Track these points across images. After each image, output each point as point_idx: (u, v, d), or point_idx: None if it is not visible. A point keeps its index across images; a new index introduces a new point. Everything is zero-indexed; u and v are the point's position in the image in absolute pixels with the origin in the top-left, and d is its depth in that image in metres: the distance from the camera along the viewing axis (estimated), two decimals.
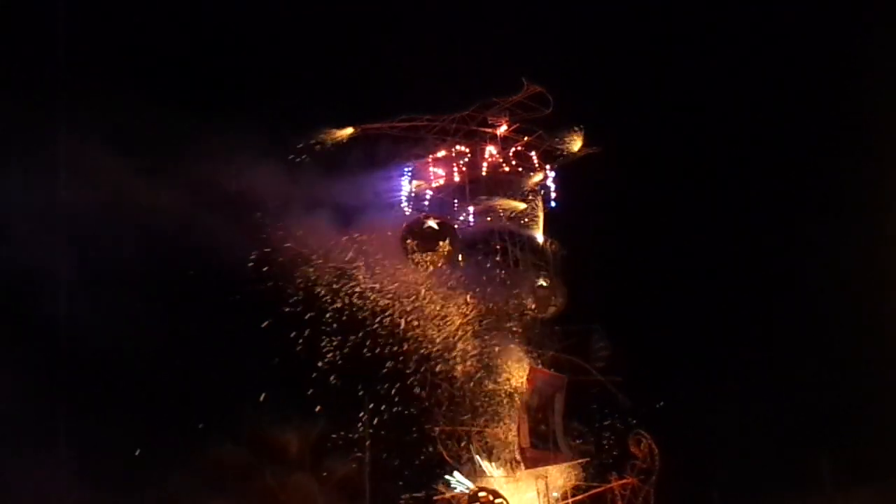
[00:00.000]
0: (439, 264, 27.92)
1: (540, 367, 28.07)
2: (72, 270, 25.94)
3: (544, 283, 28.78)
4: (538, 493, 26.82)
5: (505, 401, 27.46)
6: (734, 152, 35.46)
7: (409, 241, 27.55)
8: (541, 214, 30.10)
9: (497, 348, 27.53)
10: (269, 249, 25.96)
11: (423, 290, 27.23)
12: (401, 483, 26.94)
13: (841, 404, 29.31)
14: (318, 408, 26.18)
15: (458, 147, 29.94)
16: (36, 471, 24.96)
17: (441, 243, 27.74)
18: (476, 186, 29.84)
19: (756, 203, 33.84)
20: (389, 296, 26.87)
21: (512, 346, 27.85)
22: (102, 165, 24.73)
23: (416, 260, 27.58)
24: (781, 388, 30.88)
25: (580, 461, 27.80)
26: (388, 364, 26.77)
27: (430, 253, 27.51)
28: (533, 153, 30.54)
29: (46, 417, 25.74)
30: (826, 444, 29.06)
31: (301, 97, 29.01)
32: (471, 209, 29.62)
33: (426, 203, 29.39)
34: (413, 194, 29.47)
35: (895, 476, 28.14)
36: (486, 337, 27.51)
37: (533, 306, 28.48)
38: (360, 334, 26.57)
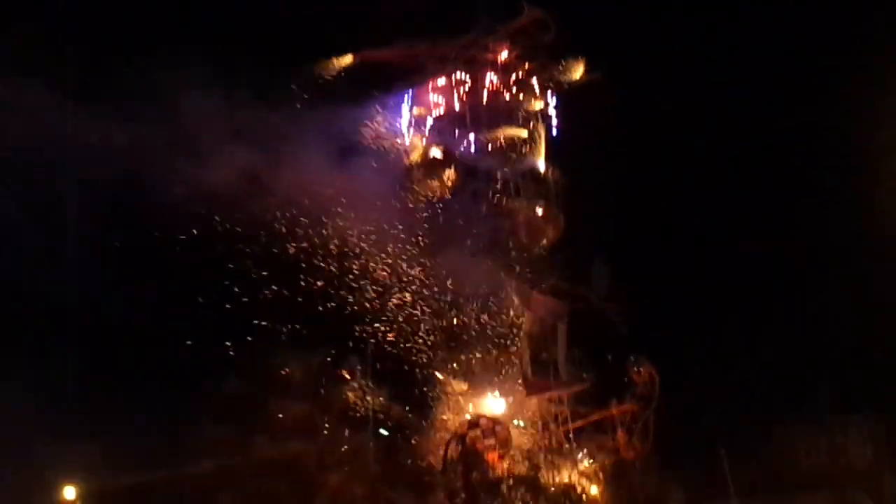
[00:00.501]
0: (443, 193, 27.92)
1: (541, 296, 28.19)
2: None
3: (539, 212, 28.72)
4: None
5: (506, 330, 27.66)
6: (742, 78, 34.96)
7: (414, 170, 27.42)
8: (542, 142, 29.90)
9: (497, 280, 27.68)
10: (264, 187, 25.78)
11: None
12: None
13: (840, 333, 29.38)
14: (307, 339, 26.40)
15: (458, 75, 29.57)
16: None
17: (447, 171, 27.68)
18: (476, 114, 29.54)
19: (762, 131, 33.46)
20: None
21: (512, 276, 28.00)
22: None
23: (421, 189, 27.53)
24: (781, 316, 30.95)
25: (580, 387, 28.03)
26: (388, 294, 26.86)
27: (435, 182, 27.47)
28: (534, 80, 30.17)
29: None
30: (824, 372, 29.29)
31: (297, 25, 28.37)
32: (471, 137, 29.39)
33: (427, 131, 29.08)
34: (413, 122, 29.21)
35: (891, 403, 28.41)
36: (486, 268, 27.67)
37: (526, 236, 28.57)
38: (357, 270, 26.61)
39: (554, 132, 29.98)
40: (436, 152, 27.64)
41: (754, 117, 34.00)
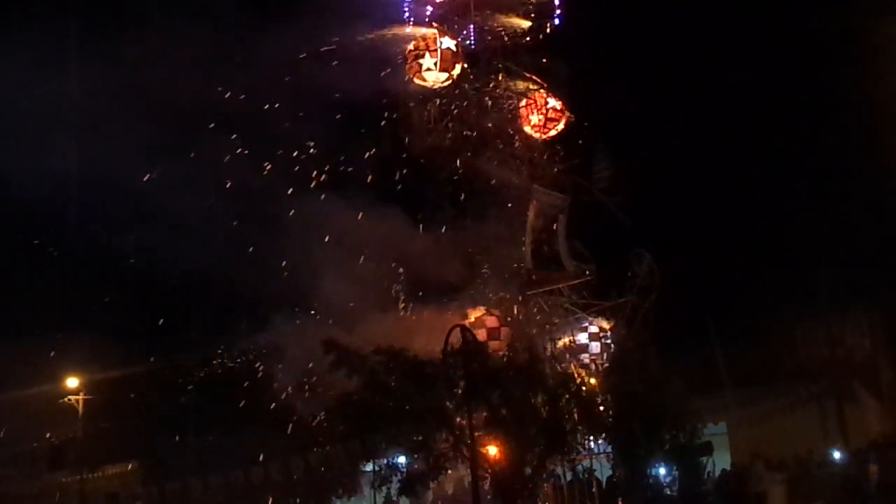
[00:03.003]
0: (446, 84, 27.44)
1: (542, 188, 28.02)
2: None
3: (542, 103, 28.25)
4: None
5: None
6: None
7: (421, 59, 26.70)
8: (545, 32, 29.25)
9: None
10: None
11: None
12: None
13: (840, 224, 29.22)
14: None
15: None
16: None
17: (457, 65, 27.08)
18: (478, 3, 28.77)
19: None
20: None
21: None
22: None
23: (425, 79, 26.95)
24: (779, 208, 30.85)
25: (582, 280, 28.04)
26: None
27: (444, 73, 26.90)
28: None
29: None
30: (823, 263, 29.25)
31: None
32: (472, 27, 28.73)
33: (427, 18, 28.30)
34: (413, 10, 28.48)
35: (889, 295, 28.40)
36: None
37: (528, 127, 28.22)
38: None
39: (556, 22, 29.29)
40: (451, 45, 26.88)
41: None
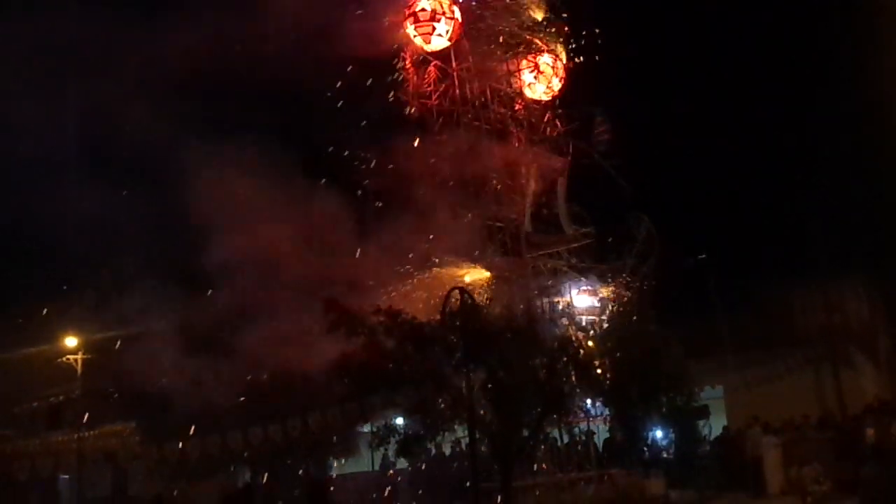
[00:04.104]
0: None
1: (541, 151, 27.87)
2: None
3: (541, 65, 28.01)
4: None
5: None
6: None
7: (437, 23, 26.19)
8: None
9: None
10: None
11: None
12: None
13: (838, 190, 29.27)
14: None
15: None
16: None
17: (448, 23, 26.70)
18: None
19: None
20: None
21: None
22: None
23: (430, 42, 26.56)
24: (778, 175, 30.88)
25: (581, 243, 27.97)
26: None
27: (448, 42, 26.53)
28: None
29: None
30: (821, 230, 29.28)
31: None
32: None
33: None
34: None
35: (887, 262, 28.51)
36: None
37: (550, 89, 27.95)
38: None
39: None
40: (457, 12, 26.46)
41: None
